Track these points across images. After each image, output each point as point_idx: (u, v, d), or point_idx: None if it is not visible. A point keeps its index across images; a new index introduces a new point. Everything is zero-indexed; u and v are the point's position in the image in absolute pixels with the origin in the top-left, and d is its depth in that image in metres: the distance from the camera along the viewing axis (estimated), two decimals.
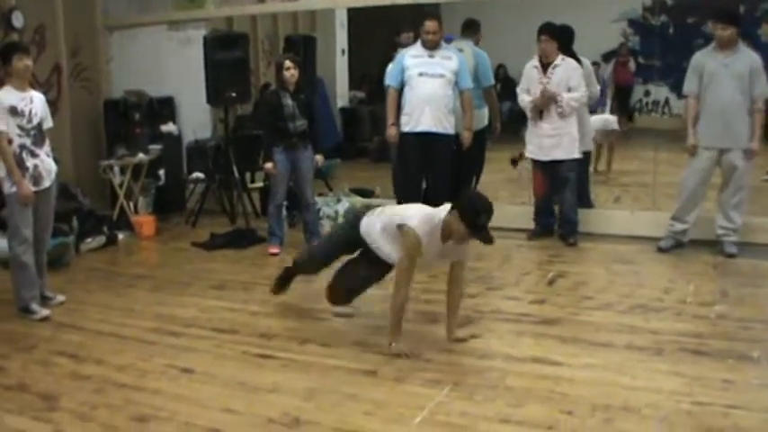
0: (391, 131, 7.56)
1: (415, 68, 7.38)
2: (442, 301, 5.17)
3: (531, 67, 7.48)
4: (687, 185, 6.96)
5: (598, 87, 8.13)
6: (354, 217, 5.28)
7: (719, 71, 6.65)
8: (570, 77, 7.30)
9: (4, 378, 4.62)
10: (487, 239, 4.48)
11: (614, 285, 6.10)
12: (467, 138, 7.51)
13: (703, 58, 6.80)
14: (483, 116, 8.18)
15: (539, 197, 7.78)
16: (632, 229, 7.58)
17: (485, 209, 4.51)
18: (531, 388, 4.23)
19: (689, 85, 6.89)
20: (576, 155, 7.39)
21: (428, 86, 7.32)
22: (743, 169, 6.73)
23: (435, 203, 7.82)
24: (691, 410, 3.90)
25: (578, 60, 7.48)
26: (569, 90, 7.28)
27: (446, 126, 7.38)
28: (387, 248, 4.92)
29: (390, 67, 7.72)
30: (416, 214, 4.80)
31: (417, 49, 7.47)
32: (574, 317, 5.39)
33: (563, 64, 7.33)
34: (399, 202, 7.71)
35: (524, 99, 7.53)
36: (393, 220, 4.86)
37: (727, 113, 6.65)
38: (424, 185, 7.72)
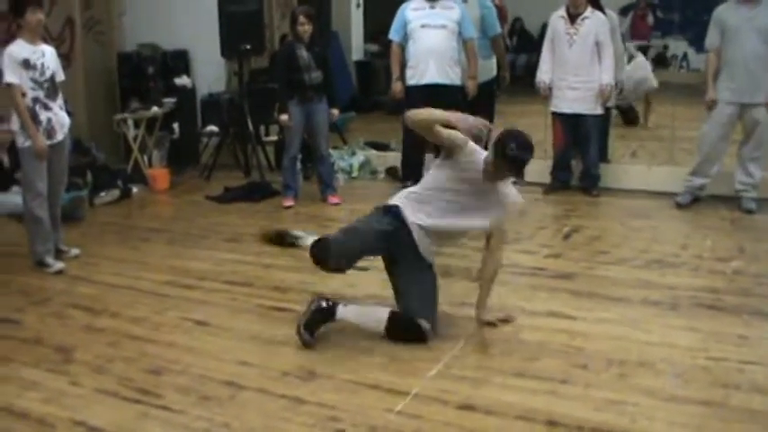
0: (396, 87, 7.55)
1: (417, 21, 7.34)
2: (457, 254, 5.17)
3: (558, 18, 7.36)
4: (707, 140, 6.88)
5: (621, 44, 8.00)
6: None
7: (743, 25, 6.53)
8: (599, 32, 7.19)
9: (20, 331, 4.65)
10: (516, 169, 4.09)
11: (630, 240, 6.07)
12: (471, 87, 7.46)
13: (725, 12, 6.69)
14: (491, 67, 8.12)
15: (558, 151, 7.72)
16: (649, 184, 7.53)
17: (515, 138, 4.06)
18: (545, 342, 4.22)
19: (710, 39, 6.79)
20: (599, 111, 7.31)
21: (431, 38, 7.27)
22: (765, 123, 6.65)
23: None
24: (706, 366, 3.89)
25: (604, 14, 7.37)
26: (597, 45, 7.17)
27: (452, 77, 7.34)
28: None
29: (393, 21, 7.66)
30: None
31: (418, 1, 7.41)
32: (589, 271, 5.37)
33: (592, 17, 7.21)
34: (406, 156, 7.72)
35: (542, 79, 7.47)
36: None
37: (750, 68, 6.54)
38: None
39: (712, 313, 4.57)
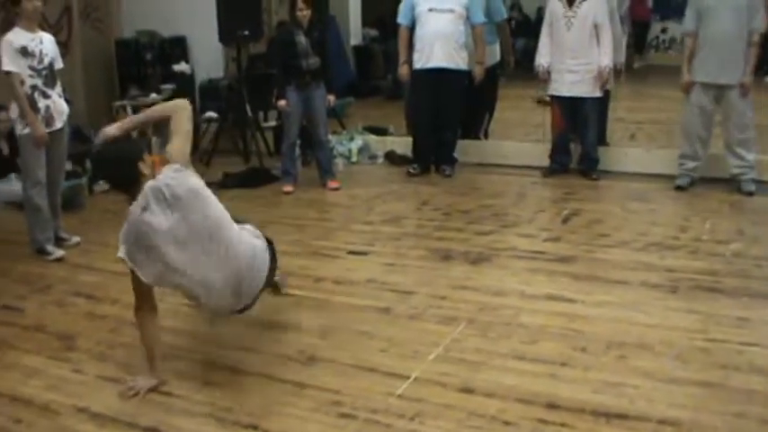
0: (403, 70, 7.61)
1: (425, 4, 7.39)
2: (456, 239, 5.18)
3: (556, 1, 7.32)
4: (688, 123, 6.88)
5: (620, 27, 7.97)
6: None
7: (718, 5, 6.51)
8: (597, 14, 7.15)
9: (22, 318, 4.66)
10: None
11: (630, 223, 6.07)
12: (479, 72, 7.50)
13: None
14: (495, 51, 8.12)
15: (556, 134, 7.73)
16: (647, 167, 7.52)
17: None
18: (545, 325, 4.23)
19: (687, 22, 6.80)
20: (598, 93, 7.30)
21: (438, 22, 7.32)
22: (742, 107, 6.63)
23: (447, 139, 7.86)
24: (705, 347, 3.90)
25: None
26: (595, 27, 7.16)
27: (457, 61, 7.38)
28: None
29: (401, 5, 7.68)
30: None
31: None
32: (589, 254, 5.37)
33: None
34: (413, 140, 7.78)
35: (541, 63, 7.43)
36: None
37: (724, 48, 6.52)
38: None
39: (711, 295, 4.58)
